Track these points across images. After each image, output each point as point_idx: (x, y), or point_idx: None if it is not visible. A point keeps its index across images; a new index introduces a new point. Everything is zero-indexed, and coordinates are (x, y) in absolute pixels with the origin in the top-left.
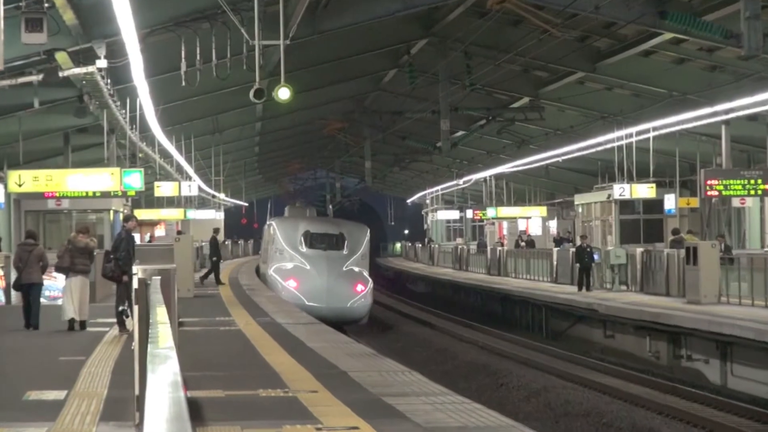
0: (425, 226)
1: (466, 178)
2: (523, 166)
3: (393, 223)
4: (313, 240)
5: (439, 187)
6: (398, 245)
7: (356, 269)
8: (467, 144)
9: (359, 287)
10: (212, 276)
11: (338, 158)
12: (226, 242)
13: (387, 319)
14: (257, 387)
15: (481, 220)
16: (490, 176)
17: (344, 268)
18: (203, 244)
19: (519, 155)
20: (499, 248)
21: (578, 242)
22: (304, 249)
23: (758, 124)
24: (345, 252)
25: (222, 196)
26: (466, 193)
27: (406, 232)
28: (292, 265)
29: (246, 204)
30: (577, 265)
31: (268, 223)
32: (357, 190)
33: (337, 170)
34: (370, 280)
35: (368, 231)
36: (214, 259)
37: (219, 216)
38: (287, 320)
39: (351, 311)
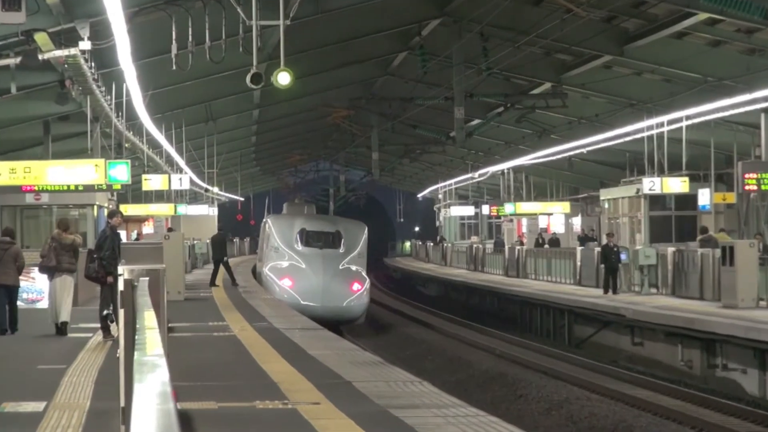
0: (437, 223)
1: (481, 171)
2: (544, 158)
3: (402, 220)
4: (309, 238)
5: (452, 181)
6: (407, 244)
7: (353, 268)
8: (483, 134)
9: (355, 286)
10: (216, 278)
11: (343, 149)
12: None
13: (395, 325)
14: (253, 398)
15: (499, 217)
16: (508, 169)
17: (340, 267)
18: (195, 242)
19: (540, 146)
20: (518, 247)
21: (604, 241)
22: (299, 247)
23: None
24: (341, 250)
25: (216, 190)
26: (481, 187)
27: (417, 229)
28: (287, 263)
29: (242, 199)
30: (603, 265)
31: (264, 220)
32: (363, 183)
33: (342, 162)
34: (367, 279)
35: (366, 229)
36: (226, 258)
37: (212, 212)
38: (286, 325)
39: (347, 311)
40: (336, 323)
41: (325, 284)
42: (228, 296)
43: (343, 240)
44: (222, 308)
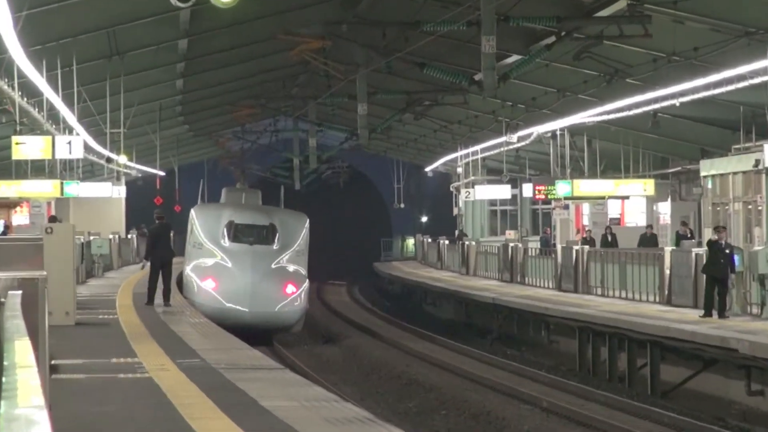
0: (455, 211)
1: (522, 133)
2: (615, 113)
3: (402, 206)
4: (237, 232)
5: (477, 148)
6: (410, 242)
7: (290, 268)
8: (525, 76)
9: (290, 288)
10: (167, 290)
11: (314, 99)
12: (129, 235)
13: (391, 363)
14: None
15: (548, 202)
16: (563, 129)
17: (273, 266)
18: (92, 238)
19: (610, 95)
20: (576, 248)
21: (710, 237)
22: (226, 243)
23: None
24: (275, 247)
25: (123, 160)
26: (522, 157)
27: (424, 220)
28: (212, 262)
29: (162, 173)
30: (705, 275)
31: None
32: (344, 151)
33: (312, 119)
34: (306, 280)
35: (307, 221)
36: (170, 260)
37: (118, 192)
38: (228, 362)
39: (279, 317)
40: (267, 331)
41: (253, 286)
42: (141, 319)
43: (278, 235)
44: (132, 337)
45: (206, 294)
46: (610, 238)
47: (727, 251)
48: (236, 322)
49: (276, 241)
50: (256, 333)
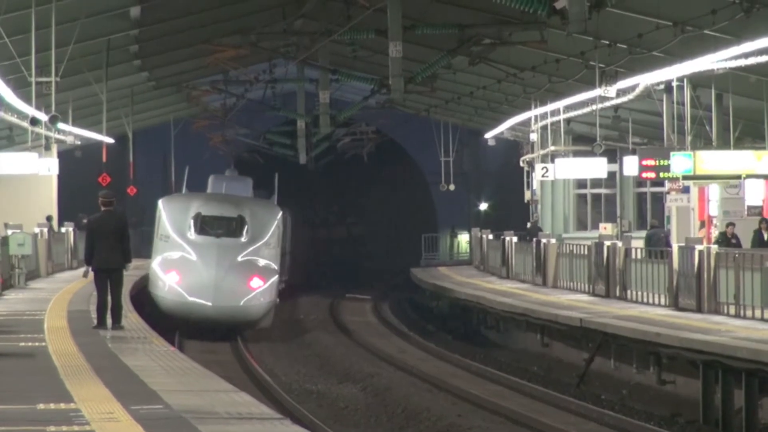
0: (527, 196)
1: (622, 85)
2: (757, 57)
3: (451, 188)
4: (204, 224)
5: (559, 105)
6: (463, 238)
7: (258, 261)
8: (627, 3)
9: (255, 282)
10: (117, 308)
11: (327, 36)
12: (63, 228)
13: (436, 412)
14: None
15: (660, 182)
16: (681, 79)
17: (239, 259)
18: (11, 233)
19: (748, 31)
20: (699, 248)
21: None
22: (192, 236)
23: None
24: (243, 239)
25: (55, 121)
26: (622, 118)
27: (483, 207)
28: (177, 254)
29: (110, 141)
30: None
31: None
32: (369, 109)
33: (325, 64)
34: (275, 273)
35: (279, 213)
36: (126, 268)
37: (48, 167)
38: (203, 410)
39: (244, 311)
40: (232, 327)
41: (217, 279)
42: (80, 348)
43: (246, 227)
44: (67, 374)
45: (169, 287)
46: (766, 236)
47: None
48: (199, 316)
49: (244, 233)
50: (221, 328)
